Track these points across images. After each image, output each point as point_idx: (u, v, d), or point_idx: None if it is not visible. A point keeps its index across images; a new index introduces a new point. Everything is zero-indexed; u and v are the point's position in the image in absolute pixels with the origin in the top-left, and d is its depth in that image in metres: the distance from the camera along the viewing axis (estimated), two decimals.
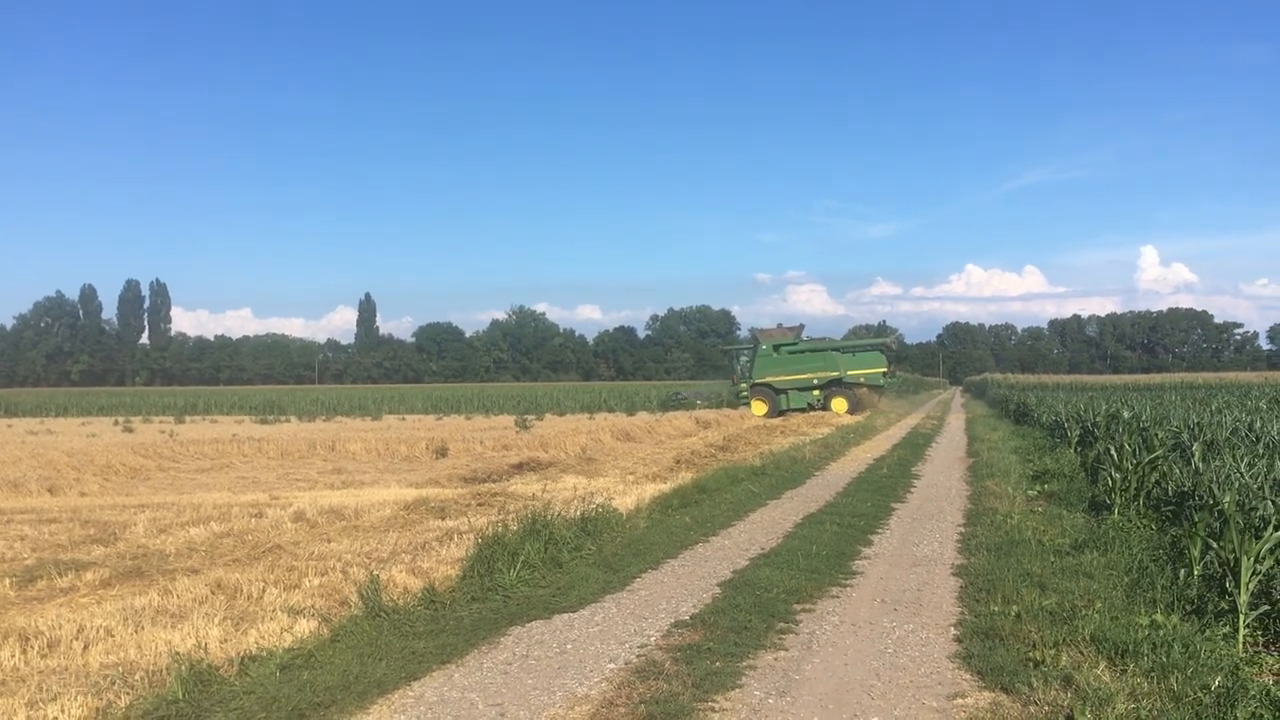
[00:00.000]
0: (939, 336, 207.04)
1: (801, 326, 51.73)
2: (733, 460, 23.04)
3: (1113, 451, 14.46)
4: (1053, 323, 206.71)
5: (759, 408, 45.84)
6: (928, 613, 8.68)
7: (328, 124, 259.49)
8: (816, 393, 47.05)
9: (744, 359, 50.02)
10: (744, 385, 48.12)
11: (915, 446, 28.91)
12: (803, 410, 45.84)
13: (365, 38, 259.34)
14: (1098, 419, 21.75)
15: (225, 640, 7.63)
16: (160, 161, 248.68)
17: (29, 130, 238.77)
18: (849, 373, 47.49)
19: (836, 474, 20.88)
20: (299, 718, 5.98)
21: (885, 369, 49.13)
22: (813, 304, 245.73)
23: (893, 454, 25.98)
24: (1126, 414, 21.41)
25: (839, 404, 46.31)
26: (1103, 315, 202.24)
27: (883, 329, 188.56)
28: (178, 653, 6.85)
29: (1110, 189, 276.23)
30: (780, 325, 52.14)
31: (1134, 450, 14.40)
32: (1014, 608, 8.27)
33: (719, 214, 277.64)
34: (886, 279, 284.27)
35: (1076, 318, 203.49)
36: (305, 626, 7.96)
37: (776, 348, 48.37)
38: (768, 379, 47.42)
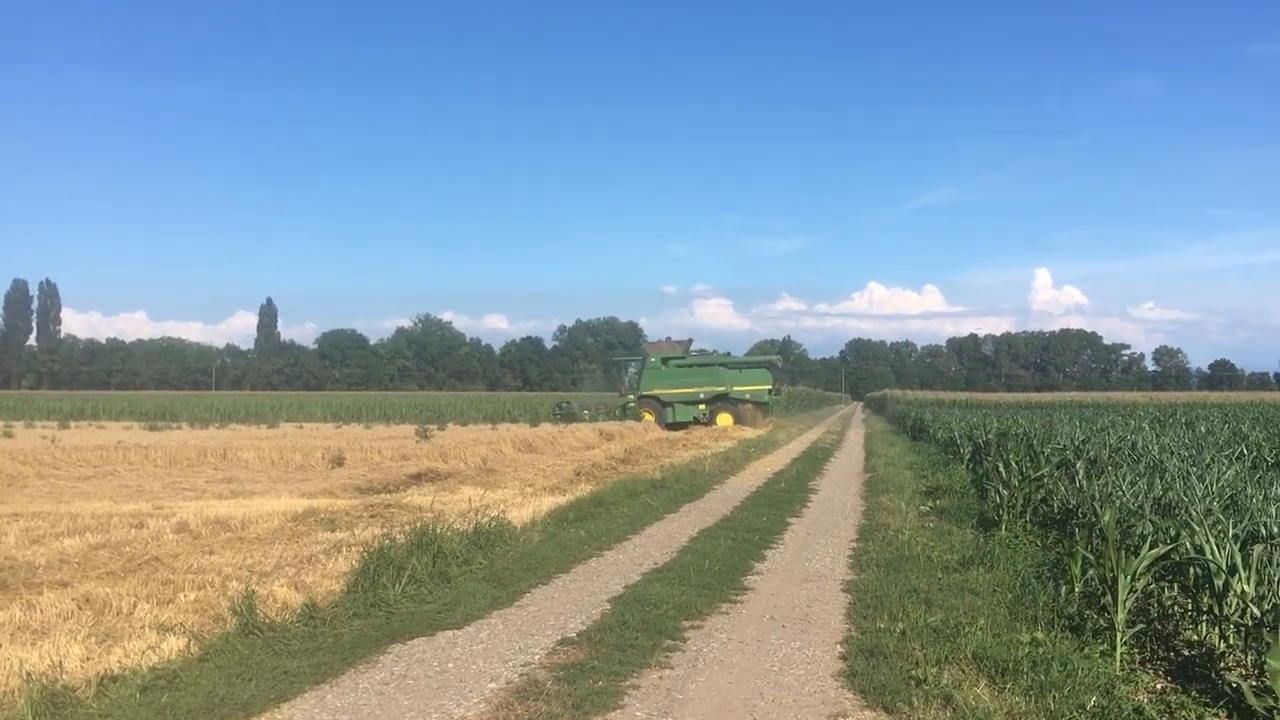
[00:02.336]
0: (842, 352, 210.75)
1: (690, 341, 52.48)
2: (633, 473, 22.98)
3: (1001, 468, 14.73)
4: (950, 341, 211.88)
5: (724, 419, 46.26)
6: (815, 630, 8.68)
7: (228, 121, 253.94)
8: (703, 407, 47.63)
9: (632, 370, 50.35)
10: (631, 397, 48.40)
11: (814, 461, 29.19)
12: (688, 424, 46.19)
13: (263, 28, 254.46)
14: (989, 436, 22.20)
15: (87, 659, 7.26)
16: (50, 156, 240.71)
17: None
18: (735, 388, 48.25)
19: (735, 488, 20.93)
20: None
21: (770, 386, 50.12)
22: (719, 318, 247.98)
23: (792, 468, 26.18)
24: (1016, 431, 21.87)
25: (724, 419, 47.01)
26: (998, 334, 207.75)
27: (787, 344, 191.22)
28: (29, 673, 6.49)
29: (1007, 211, 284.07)
30: (669, 339, 52.69)
31: (1021, 467, 14.69)
32: (899, 625, 8.30)
33: (627, 225, 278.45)
34: (791, 294, 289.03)
35: (973, 336, 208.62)
36: (174, 645, 7.63)
37: (665, 361, 48.85)
38: (655, 391, 47.81)
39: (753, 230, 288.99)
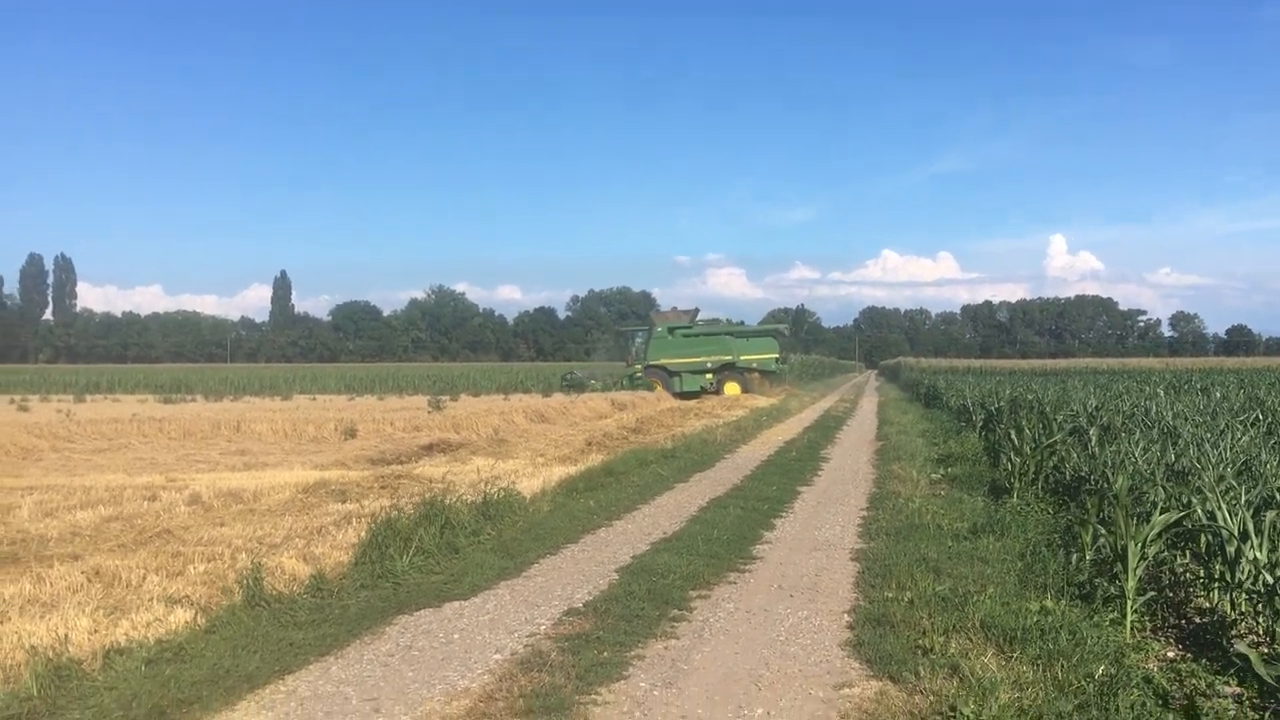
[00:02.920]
0: (856, 320, 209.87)
1: (696, 310, 52.48)
2: (644, 442, 22.96)
3: (1013, 435, 14.64)
4: (965, 308, 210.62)
5: (732, 388, 46.19)
6: (823, 599, 8.64)
7: (241, 97, 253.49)
8: (710, 376, 47.56)
9: (639, 340, 50.32)
10: (638, 367, 48.39)
11: (826, 430, 29.13)
12: (696, 393, 46.14)
13: (264, 10, 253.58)
14: (1001, 403, 22.08)
15: (94, 631, 7.28)
16: (65, 131, 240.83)
17: None
18: (742, 357, 48.23)
19: (746, 457, 20.89)
20: (158, 715, 5.69)
21: (777, 354, 50.14)
22: (732, 287, 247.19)
23: (803, 437, 26.12)
24: (1029, 398, 21.75)
25: (732, 388, 46.96)
26: (1013, 301, 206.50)
27: (800, 313, 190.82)
28: (35, 646, 6.50)
29: (1021, 177, 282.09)
30: (675, 308, 52.68)
31: (1034, 434, 14.60)
32: (908, 594, 8.25)
33: (639, 196, 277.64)
34: (805, 263, 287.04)
35: (988, 303, 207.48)
36: (181, 617, 7.64)
37: (671, 330, 48.81)
38: (662, 361, 47.79)
39: (765, 199, 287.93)
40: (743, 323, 55.34)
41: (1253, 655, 5.78)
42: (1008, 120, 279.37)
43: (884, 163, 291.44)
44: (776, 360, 50.10)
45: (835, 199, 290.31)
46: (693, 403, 40.80)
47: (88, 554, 10.42)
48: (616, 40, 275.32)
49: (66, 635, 6.94)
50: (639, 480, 16.35)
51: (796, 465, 19.22)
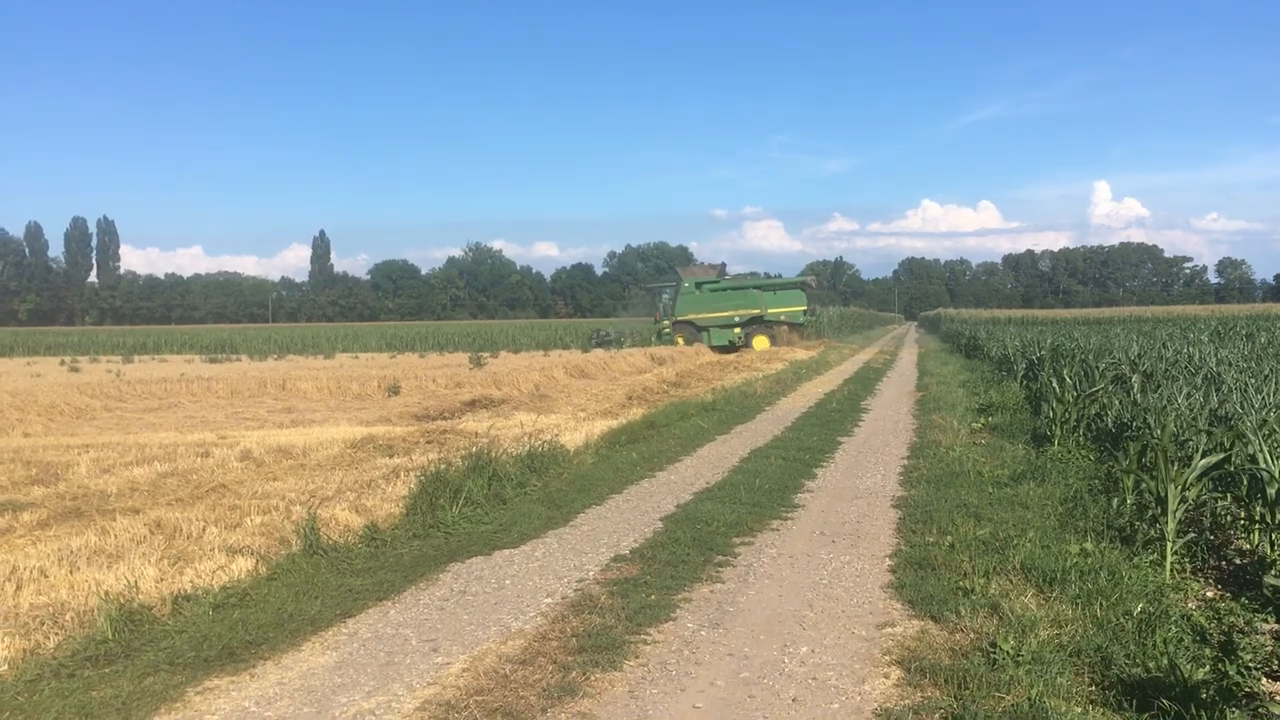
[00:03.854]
0: (895, 272, 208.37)
1: (723, 265, 52.43)
2: (684, 396, 23.12)
3: (1054, 384, 14.64)
4: (1007, 258, 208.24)
5: (761, 342, 46.20)
6: (865, 544, 8.79)
7: (277, 58, 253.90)
8: (738, 330, 47.54)
9: (666, 297, 50.30)
10: (666, 323, 48.44)
11: (866, 381, 29.14)
12: (725, 348, 46.17)
13: None
14: (1042, 352, 22.00)
15: (161, 580, 7.57)
16: (106, 95, 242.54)
17: None
18: (770, 311, 48.11)
19: (786, 409, 21.00)
20: (229, 655, 5.96)
21: (805, 308, 49.98)
22: (770, 240, 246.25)
23: (843, 389, 26.16)
24: (1070, 347, 21.66)
25: (760, 342, 46.88)
26: (1056, 250, 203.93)
27: (839, 265, 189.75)
28: (108, 592, 6.79)
29: (1064, 124, 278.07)
30: (702, 263, 52.65)
31: (1075, 383, 14.60)
32: (948, 538, 8.38)
33: (675, 149, 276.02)
34: (844, 215, 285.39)
35: (1030, 253, 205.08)
36: (243, 565, 7.92)
37: (699, 285, 48.80)
38: (689, 317, 47.82)
39: (802, 150, 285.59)
40: (780, 275, 55.23)
41: None
42: (1050, 65, 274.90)
43: (923, 111, 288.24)
44: (804, 313, 50.01)
45: (874, 149, 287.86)
46: (732, 356, 40.88)
47: (147, 508, 10.75)
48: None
49: (135, 583, 7.22)
50: (680, 433, 16.52)
51: (837, 416, 19.32)
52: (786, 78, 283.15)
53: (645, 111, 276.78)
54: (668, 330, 47.79)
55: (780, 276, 54.71)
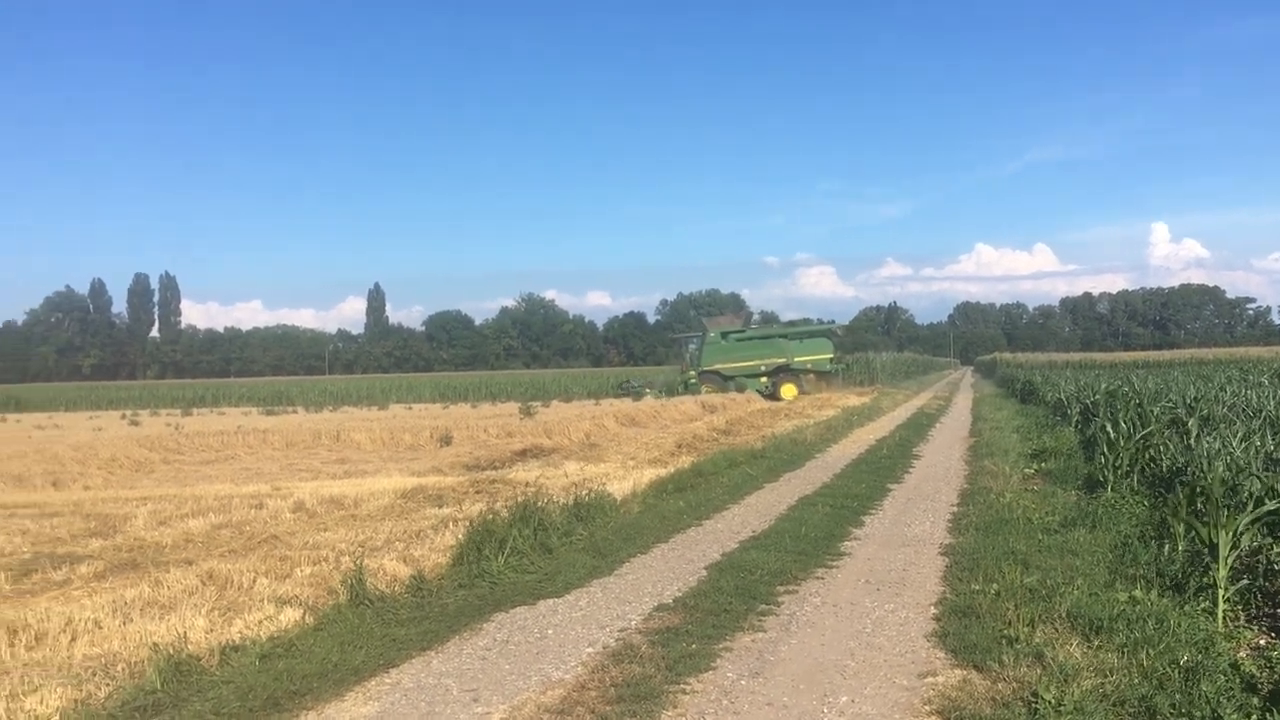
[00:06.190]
0: (950, 316, 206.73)
1: (749, 314, 52.79)
2: (734, 444, 23.09)
3: (1108, 428, 14.46)
4: (1064, 301, 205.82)
5: (789, 391, 45.95)
6: (910, 592, 8.72)
7: (333, 114, 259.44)
8: (764, 379, 47.26)
9: (692, 347, 50.50)
10: (692, 373, 48.37)
11: (919, 427, 28.90)
12: (767, 395, 45.95)
13: (366, 26, 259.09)
14: (1097, 397, 21.72)
15: (210, 630, 7.71)
16: (167, 154, 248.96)
17: (34, 126, 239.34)
18: (796, 359, 48.08)
19: (836, 456, 20.89)
20: (274, 706, 6.04)
21: (832, 355, 49.84)
22: (821, 286, 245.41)
23: (895, 435, 25.99)
24: (1125, 391, 21.37)
25: (788, 390, 46.57)
26: (1114, 293, 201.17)
27: (893, 310, 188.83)
28: (157, 644, 6.92)
29: (1121, 165, 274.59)
30: (728, 313, 52.86)
31: (1130, 427, 14.40)
32: (994, 586, 8.29)
33: (725, 198, 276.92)
34: (897, 260, 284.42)
35: (1088, 295, 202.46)
36: (291, 616, 8.03)
37: (725, 335, 48.96)
38: (716, 366, 47.83)
39: (852, 196, 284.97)
40: (833, 322, 55.21)
41: None
42: (1104, 106, 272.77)
43: (976, 154, 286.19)
44: (831, 360, 49.95)
45: (926, 193, 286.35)
46: (783, 404, 40.81)
47: (200, 559, 10.94)
48: (701, 45, 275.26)
49: (185, 634, 7.36)
50: (728, 480, 16.50)
51: (887, 463, 19.18)
52: (836, 123, 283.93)
53: (695, 160, 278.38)
54: (694, 380, 47.71)
55: (819, 322, 54.75)
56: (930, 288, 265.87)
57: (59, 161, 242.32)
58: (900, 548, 10.81)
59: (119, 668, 6.78)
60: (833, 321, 61.85)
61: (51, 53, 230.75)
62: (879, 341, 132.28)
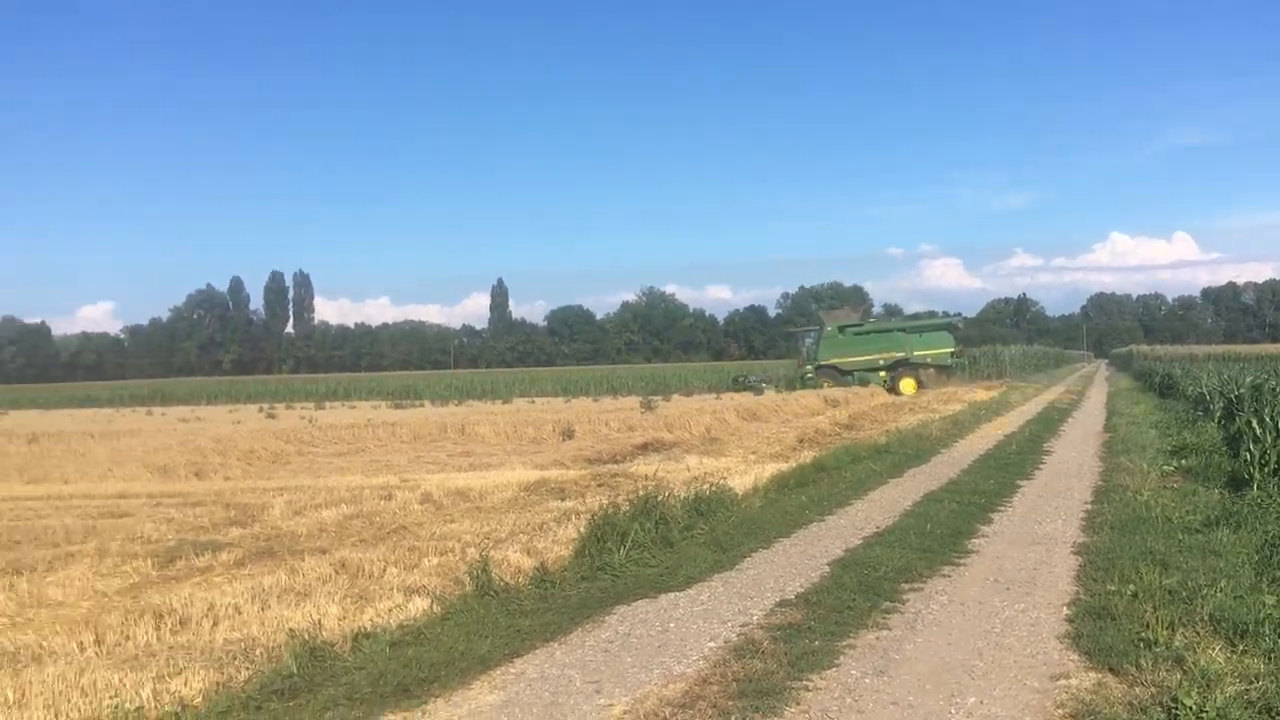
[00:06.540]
0: (1083, 308, 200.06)
1: (868, 307, 51.83)
2: (857, 438, 22.83)
3: (1254, 424, 13.84)
4: (1205, 291, 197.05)
5: (908, 385, 45.21)
6: (1041, 592, 8.48)
7: (458, 113, 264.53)
8: (883, 374, 46.32)
9: (809, 341, 49.80)
10: (808, 367, 47.70)
11: (1049, 422, 28.11)
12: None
13: (492, 20, 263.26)
14: (1241, 390, 20.79)
15: (343, 618, 7.96)
16: (300, 156, 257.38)
17: (178, 132, 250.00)
18: (915, 353, 46.98)
19: (963, 451, 20.45)
20: (403, 691, 6.19)
21: (953, 349, 48.56)
22: (947, 278, 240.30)
23: (1024, 430, 25.31)
24: (1272, 385, 20.40)
25: (908, 385, 45.51)
26: (1260, 282, 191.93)
27: (1022, 302, 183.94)
28: (293, 630, 7.17)
29: (1265, 148, 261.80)
30: (847, 307, 52.02)
31: (1277, 422, 13.76)
32: (1131, 587, 7.99)
33: (848, 190, 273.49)
34: (1026, 250, 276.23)
35: (1231, 285, 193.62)
36: (419, 605, 8.23)
37: (842, 329, 48.17)
38: (833, 360, 47.10)
39: (980, 185, 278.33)
40: (959, 315, 54.10)
41: None
42: (1246, 87, 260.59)
43: (1111, 139, 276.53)
44: (952, 354, 48.73)
45: (1057, 181, 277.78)
46: (907, 398, 40.19)
47: (333, 548, 11.29)
48: (823, 34, 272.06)
49: (319, 620, 7.61)
50: (851, 476, 16.30)
51: (1016, 459, 18.70)
52: (963, 112, 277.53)
53: (817, 151, 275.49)
54: (810, 375, 47.14)
55: (945, 315, 53.67)
56: (1062, 278, 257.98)
57: (201, 165, 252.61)
58: (1030, 546, 10.52)
59: (258, 652, 7.03)
60: (958, 314, 60.66)
61: (189, 60, 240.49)
62: (1007, 334, 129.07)
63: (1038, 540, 10.83)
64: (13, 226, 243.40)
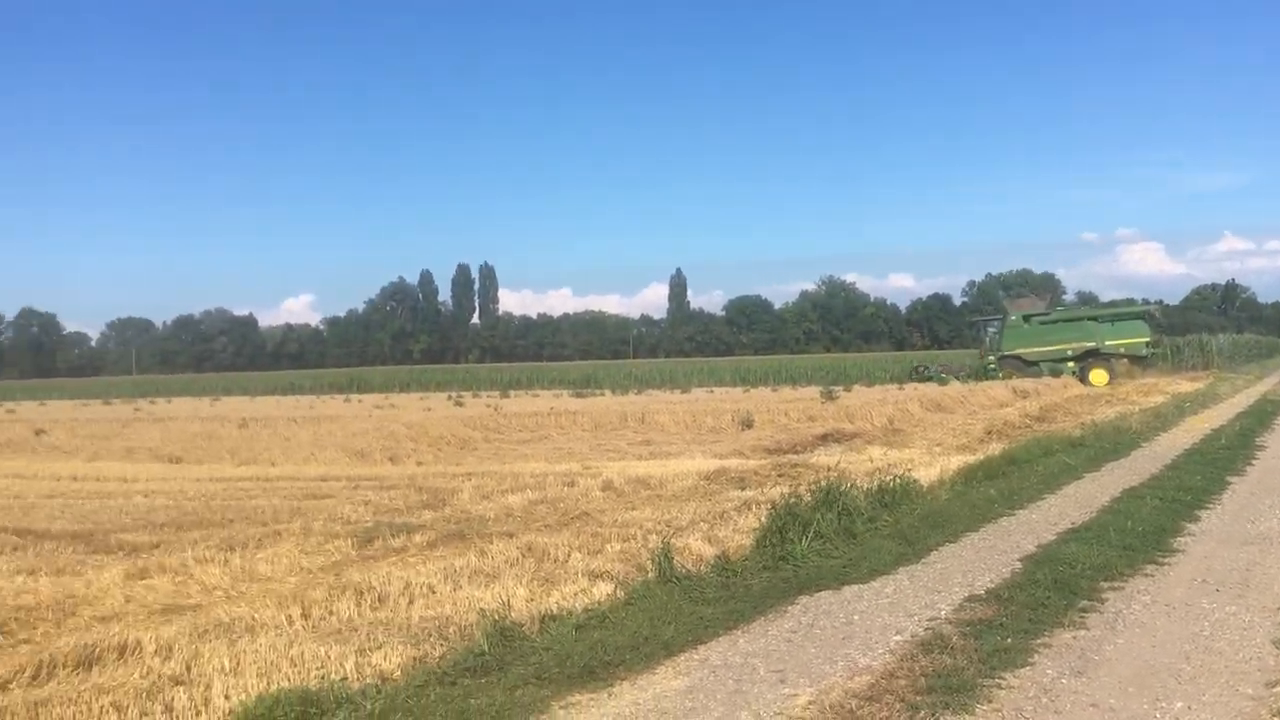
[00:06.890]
0: None
1: (1056, 295, 49.68)
2: (1049, 431, 22.00)
3: None
4: None
5: (1099, 377, 43.29)
6: (1254, 594, 7.98)
7: (638, 111, 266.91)
8: (1071, 364, 44.08)
9: (992, 330, 48.03)
10: (991, 357, 45.90)
11: (1263, 416, 26.37)
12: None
13: (681, 15, 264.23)
14: None
15: (530, 600, 8.17)
16: (487, 154, 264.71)
17: (368, 132, 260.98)
18: (1106, 343, 44.52)
19: (1166, 445, 19.41)
20: (589, 674, 6.30)
21: (1147, 338, 45.75)
22: (1147, 264, 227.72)
23: (1235, 424, 23.82)
24: None
25: (1098, 376, 43.16)
26: None
27: (1230, 288, 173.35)
28: (483, 610, 7.39)
29: None
30: (1033, 295, 49.82)
31: None
32: None
33: (1038, 176, 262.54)
34: (1235, 233, 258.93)
35: None
36: (602, 589, 8.37)
37: (1027, 318, 46.27)
38: (1018, 350, 45.23)
39: (1185, 165, 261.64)
40: (1160, 302, 51.48)
41: None
42: None
43: None
44: (1147, 344, 46.07)
45: (1271, 158, 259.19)
46: (1104, 389, 38.52)
47: (520, 532, 11.60)
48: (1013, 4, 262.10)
49: (508, 601, 7.83)
50: (1043, 469, 15.69)
51: (1225, 454, 17.61)
52: (1161, 87, 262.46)
53: (1003, 133, 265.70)
54: (993, 365, 45.48)
55: (1144, 302, 51.03)
56: (1276, 262, 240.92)
57: (392, 166, 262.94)
58: (1243, 546, 9.90)
59: (451, 630, 7.29)
60: (1158, 301, 57.76)
61: (372, 62, 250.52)
62: (1214, 323, 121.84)
63: (1251, 540, 10.19)
64: (224, 224, 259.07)
